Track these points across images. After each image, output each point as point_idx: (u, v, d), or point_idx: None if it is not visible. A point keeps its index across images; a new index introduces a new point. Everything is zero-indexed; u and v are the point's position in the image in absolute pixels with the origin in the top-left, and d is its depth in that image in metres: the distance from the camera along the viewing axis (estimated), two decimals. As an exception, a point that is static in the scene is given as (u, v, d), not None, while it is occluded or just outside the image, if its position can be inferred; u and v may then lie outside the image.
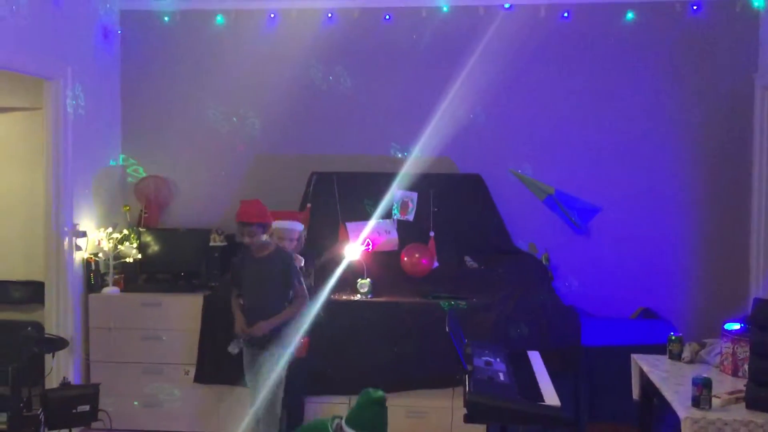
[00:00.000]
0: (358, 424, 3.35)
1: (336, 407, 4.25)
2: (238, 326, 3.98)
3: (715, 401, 3.04)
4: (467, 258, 4.84)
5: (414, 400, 4.38)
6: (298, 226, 4.36)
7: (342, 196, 4.98)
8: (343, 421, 3.38)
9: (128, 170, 5.43)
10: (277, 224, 4.20)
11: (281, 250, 4.01)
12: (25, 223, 5.21)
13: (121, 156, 5.43)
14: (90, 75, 4.96)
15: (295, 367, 4.06)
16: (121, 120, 5.43)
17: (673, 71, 5.01)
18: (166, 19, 5.34)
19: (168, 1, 5.27)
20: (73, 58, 4.72)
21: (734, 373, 3.45)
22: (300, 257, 4.30)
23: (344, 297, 4.50)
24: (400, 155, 5.24)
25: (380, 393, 3.41)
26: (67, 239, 4.68)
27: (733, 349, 3.46)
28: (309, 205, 4.97)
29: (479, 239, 4.94)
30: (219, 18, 5.30)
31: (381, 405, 3.35)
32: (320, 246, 4.77)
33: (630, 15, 5.00)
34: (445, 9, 5.14)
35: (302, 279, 4.06)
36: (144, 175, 5.40)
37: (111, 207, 5.25)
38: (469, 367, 3.26)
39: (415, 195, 4.96)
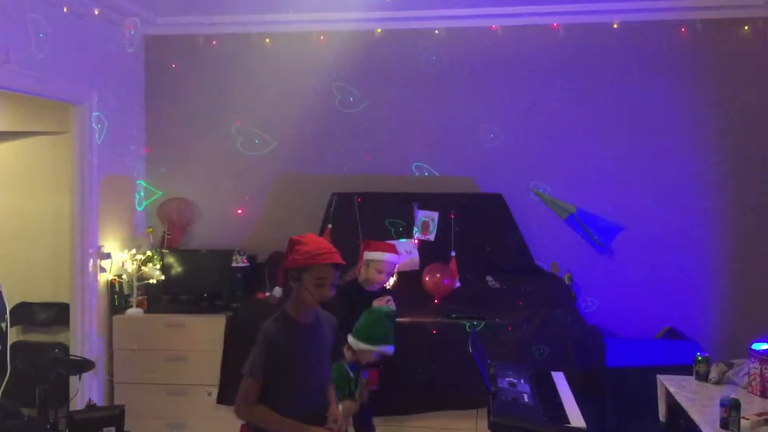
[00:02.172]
0: (367, 337, 3.44)
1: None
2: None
3: (743, 423, 3.00)
4: (489, 278, 4.82)
5: (438, 421, 4.35)
6: (396, 258, 4.15)
7: (362, 216, 4.99)
8: (350, 336, 3.47)
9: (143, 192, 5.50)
10: (372, 255, 4.07)
11: (323, 312, 2.90)
12: (50, 246, 5.29)
13: (143, 182, 5.49)
14: (115, 99, 5.04)
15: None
16: (144, 142, 5.51)
17: (696, 90, 4.99)
18: (189, 44, 5.42)
19: (191, 26, 5.35)
20: (98, 82, 4.81)
21: (762, 394, 3.40)
22: (390, 298, 4.02)
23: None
24: (420, 175, 5.25)
25: (388, 308, 3.53)
26: (91, 261, 4.74)
27: (761, 369, 3.42)
28: (329, 226, 4.99)
29: (501, 259, 4.92)
30: (241, 41, 5.37)
31: (392, 318, 3.48)
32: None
33: (652, 35, 4.99)
34: (462, 29, 5.16)
35: None
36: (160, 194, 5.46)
37: (135, 229, 5.31)
38: (493, 388, 3.24)
39: (436, 215, 4.96)
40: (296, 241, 2.77)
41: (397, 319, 4.39)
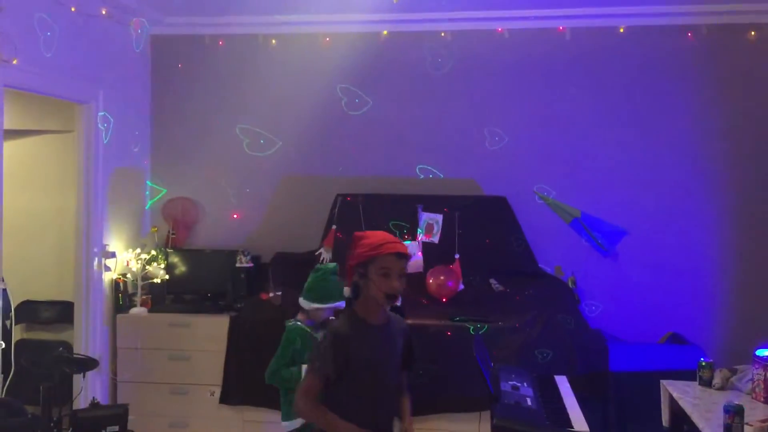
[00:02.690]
0: (318, 297, 3.56)
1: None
2: None
3: (747, 429, 2.99)
4: (493, 281, 4.83)
5: (441, 423, 4.35)
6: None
7: (367, 217, 4.99)
8: (301, 298, 3.64)
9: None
10: None
11: (395, 315, 2.79)
12: (55, 244, 5.31)
13: (149, 182, 5.50)
14: (121, 98, 5.06)
15: None
16: (150, 142, 5.52)
17: (701, 94, 4.98)
18: (195, 44, 5.44)
19: (197, 26, 5.37)
20: (104, 82, 4.82)
21: (766, 401, 3.39)
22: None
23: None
24: (425, 177, 5.26)
25: (333, 264, 3.70)
26: (96, 260, 4.75)
27: (765, 375, 3.41)
28: (334, 227, 5.00)
29: (505, 262, 4.92)
30: (248, 42, 5.38)
31: (335, 273, 3.64)
32: (345, 268, 4.78)
33: (659, 40, 4.99)
34: (468, 31, 5.17)
35: None
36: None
37: (139, 228, 5.33)
38: (496, 392, 3.24)
39: (440, 217, 4.96)
40: (358, 237, 2.68)
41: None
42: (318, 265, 3.82)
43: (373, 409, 2.60)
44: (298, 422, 3.56)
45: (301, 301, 3.69)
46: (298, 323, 3.67)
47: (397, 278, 2.55)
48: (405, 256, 2.59)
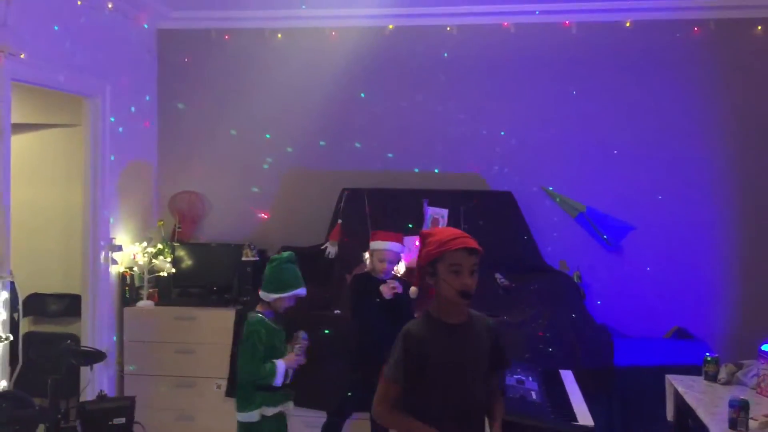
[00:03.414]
0: (277, 287, 3.61)
1: (364, 423, 4.23)
2: None
3: (752, 423, 3.00)
4: (498, 275, 4.82)
5: (445, 417, 4.36)
6: (399, 247, 4.18)
7: (372, 212, 5.00)
8: (261, 290, 3.67)
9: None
10: (375, 245, 4.12)
11: (477, 314, 2.62)
12: (62, 237, 5.33)
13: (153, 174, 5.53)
14: (127, 93, 5.07)
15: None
16: (157, 136, 5.53)
17: (708, 89, 4.97)
18: (201, 38, 5.45)
19: (204, 20, 5.38)
20: (111, 76, 4.84)
21: (772, 396, 3.39)
22: (396, 284, 4.04)
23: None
24: (431, 172, 5.26)
25: (288, 252, 3.75)
26: (103, 253, 4.77)
27: (771, 370, 3.41)
28: (340, 221, 5.00)
29: (510, 256, 4.92)
30: (254, 36, 5.39)
31: (293, 262, 3.69)
32: (351, 263, 4.80)
33: (666, 35, 4.98)
34: (474, 26, 5.16)
35: None
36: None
37: (146, 222, 5.35)
38: (501, 386, 3.24)
39: (445, 212, 4.96)
40: (426, 235, 2.57)
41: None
42: (273, 256, 3.82)
43: (455, 412, 2.46)
44: (255, 415, 3.56)
45: (261, 294, 3.68)
46: (259, 315, 3.65)
47: (468, 274, 2.42)
48: (476, 251, 2.44)
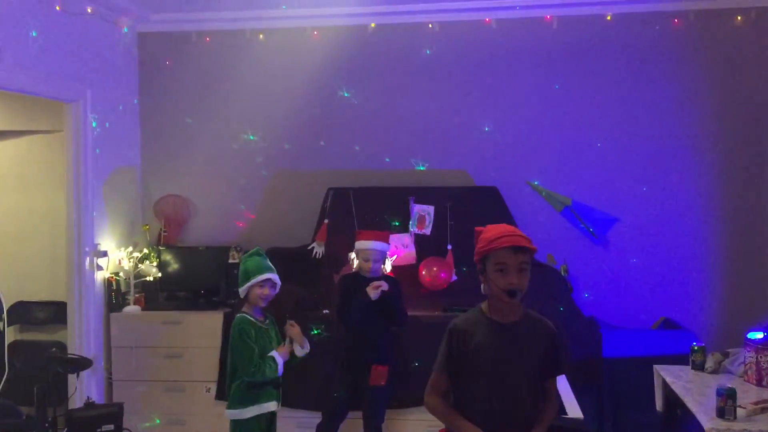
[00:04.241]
0: (245, 278, 3.68)
1: (357, 422, 4.23)
2: None
3: (739, 411, 3.02)
4: (485, 271, 4.82)
5: (435, 414, 4.36)
6: (383, 246, 4.19)
7: (359, 211, 4.99)
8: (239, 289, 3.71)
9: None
10: (359, 245, 4.13)
11: (536, 315, 2.60)
12: (47, 245, 5.30)
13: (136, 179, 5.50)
14: (109, 97, 5.04)
15: (373, 396, 4.05)
16: (140, 140, 5.50)
17: (689, 80, 5.00)
18: (182, 40, 5.42)
19: (184, 22, 5.35)
20: (92, 80, 4.80)
21: (758, 383, 3.42)
22: (382, 282, 4.04)
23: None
24: (416, 169, 5.26)
25: (255, 247, 3.83)
26: (88, 259, 4.74)
27: (757, 358, 3.44)
28: (326, 221, 5.00)
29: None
30: (235, 37, 5.36)
31: (260, 254, 3.77)
32: (339, 261, 4.79)
33: (646, 27, 5.00)
34: (456, 22, 5.17)
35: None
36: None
37: (131, 226, 5.31)
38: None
39: (431, 208, 4.96)
40: (478, 232, 2.57)
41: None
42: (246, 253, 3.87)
43: (491, 406, 2.42)
44: (248, 412, 3.58)
45: (241, 293, 3.72)
46: (241, 314, 3.68)
47: (515, 273, 2.39)
48: (523, 249, 2.41)
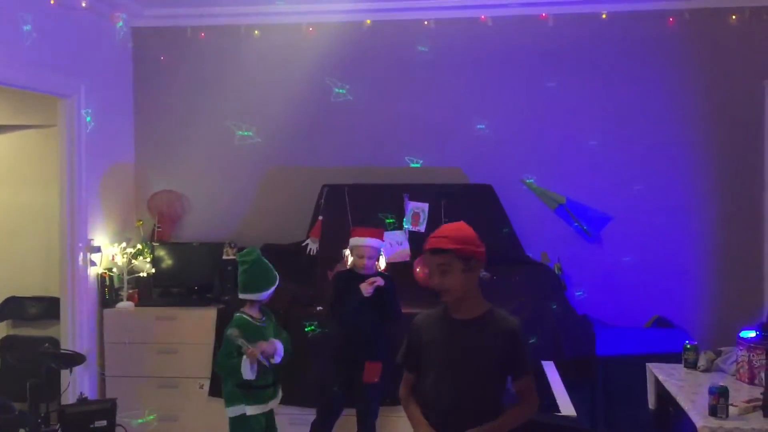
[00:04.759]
0: (255, 289, 3.74)
1: (350, 420, 4.23)
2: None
3: (731, 410, 3.03)
4: (480, 268, 4.83)
5: (428, 411, 4.37)
6: (377, 242, 4.19)
7: (353, 207, 4.98)
8: (240, 293, 3.79)
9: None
10: (354, 242, 4.15)
11: (501, 312, 2.60)
12: (40, 240, 5.27)
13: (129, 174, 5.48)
14: (103, 92, 5.01)
15: (367, 393, 4.05)
16: (134, 135, 5.48)
17: (683, 79, 5.01)
18: (177, 36, 5.40)
19: (178, 18, 5.33)
20: (85, 75, 4.78)
21: (750, 381, 3.44)
22: (379, 279, 4.04)
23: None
24: (410, 166, 5.26)
25: (255, 251, 3.84)
26: (81, 255, 4.72)
27: (749, 357, 3.45)
28: (320, 217, 4.99)
29: (491, 249, 4.78)
30: (230, 33, 5.35)
31: (257, 263, 3.77)
32: (333, 258, 4.78)
33: (641, 25, 5.01)
34: (451, 20, 5.16)
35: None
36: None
37: (124, 222, 5.30)
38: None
39: (426, 206, 4.96)
40: None
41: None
42: (240, 256, 3.85)
43: (439, 402, 2.48)
44: (239, 409, 3.67)
45: (242, 296, 3.78)
46: (238, 314, 3.75)
47: (436, 275, 2.49)
48: (438, 251, 2.48)
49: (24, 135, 5.39)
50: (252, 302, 3.74)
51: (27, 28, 4.17)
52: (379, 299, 4.04)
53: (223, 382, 3.79)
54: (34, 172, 5.34)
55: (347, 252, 4.21)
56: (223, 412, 4.63)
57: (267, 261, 3.82)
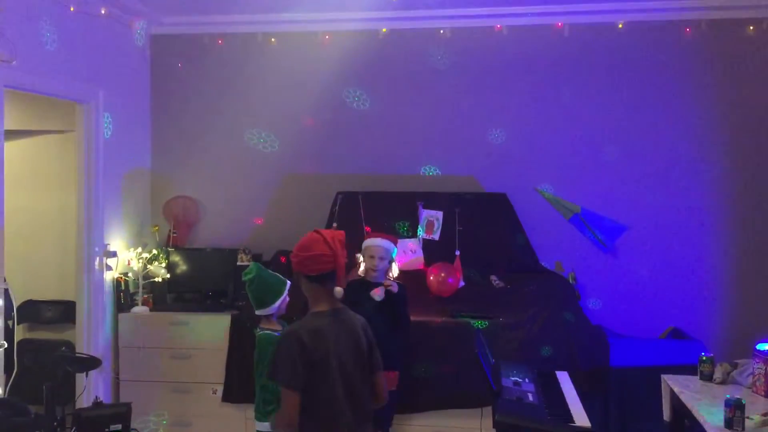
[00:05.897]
0: (263, 302, 3.69)
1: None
2: None
3: (748, 422, 3.01)
4: (493, 277, 4.83)
5: (443, 419, 4.36)
6: (389, 245, 4.21)
7: (367, 215, 5.00)
8: (257, 310, 3.74)
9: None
10: (366, 243, 4.17)
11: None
12: (57, 244, 5.32)
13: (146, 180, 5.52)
14: (121, 98, 5.06)
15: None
16: (150, 141, 5.53)
17: (700, 90, 4.99)
18: (195, 43, 5.44)
19: (197, 25, 5.38)
20: (104, 81, 4.83)
21: (767, 395, 3.40)
22: (393, 283, 4.07)
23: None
24: (425, 175, 5.27)
25: (255, 266, 3.77)
26: (97, 259, 4.76)
27: (766, 369, 3.42)
28: (334, 225, 5.00)
29: (505, 258, 4.93)
30: (247, 41, 5.39)
31: (264, 279, 3.73)
32: (347, 266, 4.78)
33: (658, 36, 5.00)
34: (466, 29, 5.17)
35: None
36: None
37: (140, 227, 5.34)
38: (498, 387, 3.25)
39: (440, 214, 4.97)
40: None
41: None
42: (245, 274, 3.78)
43: (345, 413, 2.69)
44: (270, 425, 3.58)
45: (259, 312, 3.74)
46: (266, 332, 3.69)
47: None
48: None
49: (42, 140, 5.44)
50: (267, 316, 3.74)
51: (47, 35, 4.23)
52: (390, 307, 4.04)
53: (255, 396, 3.73)
54: (51, 177, 5.39)
55: (360, 257, 4.23)
56: (236, 418, 4.67)
57: (269, 272, 3.78)
